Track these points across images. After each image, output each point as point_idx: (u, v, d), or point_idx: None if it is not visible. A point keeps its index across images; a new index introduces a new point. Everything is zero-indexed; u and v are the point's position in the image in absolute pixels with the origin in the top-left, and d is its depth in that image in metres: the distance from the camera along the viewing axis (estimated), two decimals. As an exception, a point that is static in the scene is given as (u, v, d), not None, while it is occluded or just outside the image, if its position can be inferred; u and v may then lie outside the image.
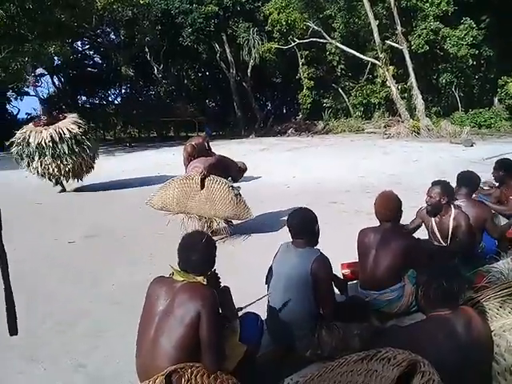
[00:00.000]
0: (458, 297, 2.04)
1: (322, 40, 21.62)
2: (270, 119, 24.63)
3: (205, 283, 2.33)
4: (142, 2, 17.34)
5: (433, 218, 3.75)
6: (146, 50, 21.12)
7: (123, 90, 26.66)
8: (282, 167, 11.18)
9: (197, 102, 26.46)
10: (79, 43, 23.20)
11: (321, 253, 2.70)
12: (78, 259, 5.07)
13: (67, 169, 8.94)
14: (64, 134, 8.77)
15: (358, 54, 20.88)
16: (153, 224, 6.46)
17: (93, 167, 9.67)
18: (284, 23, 21.64)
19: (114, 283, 4.37)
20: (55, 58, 17.75)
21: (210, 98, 28.97)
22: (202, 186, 5.39)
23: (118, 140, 23.38)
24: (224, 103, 26.17)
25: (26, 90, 21.69)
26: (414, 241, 3.26)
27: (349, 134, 20.48)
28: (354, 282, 3.39)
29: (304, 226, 2.78)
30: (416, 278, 2.74)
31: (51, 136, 8.71)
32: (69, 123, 8.99)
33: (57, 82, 24.57)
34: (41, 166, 8.79)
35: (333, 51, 22.27)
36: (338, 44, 21.34)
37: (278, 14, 21.68)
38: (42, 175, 9.00)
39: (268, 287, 2.86)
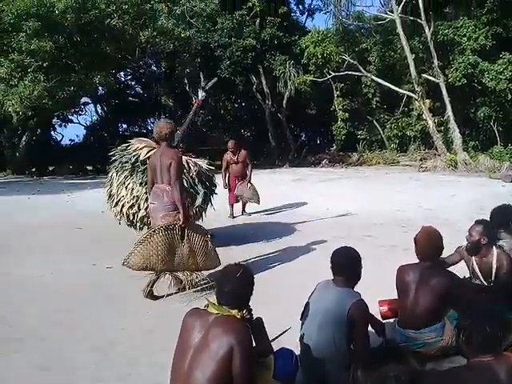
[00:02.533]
0: (502, 343, 1.98)
1: (357, 73, 21.78)
2: (304, 150, 24.73)
3: (239, 317, 2.33)
4: (183, 36, 17.99)
5: (473, 258, 3.68)
6: (186, 81, 21.78)
7: (162, 119, 27.45)
8: (315, 198, 11.15)
9: (232, 132, 26.87)
10: (122, 74, 24.15)
11: (360, 297, 2.67)
12: (115, 285, 5.16)
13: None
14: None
15: (393, 87, 20.86)
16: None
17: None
18: (320, 56, 21.93)
19: (149, 310, 4.43)
20: (99, 87, 18.55)
21: (245, 128, 29.36)
22: (182, 237, 4.70)
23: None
24: (259, 133, 26.46)
25: (71, 117, 22.72)
26: (456, 280, 3.19)
27: (383, 166, 20.29)
28: (392, 320, 3.33)
29: (347, 265, 2.78)
30: (458, 320, 2.67)
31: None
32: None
33: (100, 111, 25.62)
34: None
35: (368, 84, 22.33)
36: (374, 77, 21.42)
37: (314, 48, 22.03)
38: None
39: (302, 323, 2.84)
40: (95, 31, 17.07)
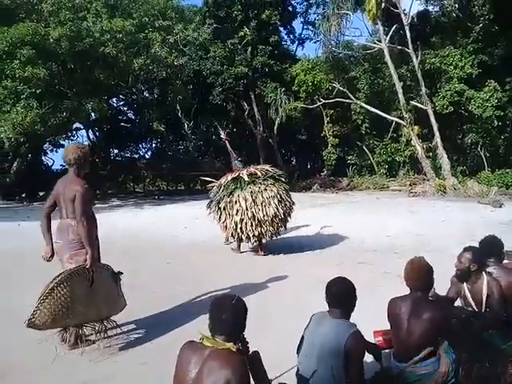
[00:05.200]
0: (501, 378, 2.02)
1: (346, 100, 22.20)
2: (295, 175, 24.91)
3: (234, 350, 2.30)
4: (176, 64, 18.29)
5: (465, 284, 3.71)
6: (178, 107, 22.03)
7: (154, 145, 27.64)
8: (307, 223, 11.19)
9: (224, 157, 27.05)
10: (114, 100, 24.41)
11: (356, 328, 2.70)
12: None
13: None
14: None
15: (382, 114, 21.27)
16: (181, 281, 6.52)
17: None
18: (310, 84, 22.40)
19: (142, 344, 4.38)
20: (92, 113, 18.68)
21: (237, 153, 29.54)
22: (93, 281, 4.16)
23: (147, 193, 23.95)
24: (250, 158, 26.52)
25: (62, 142, 22.71)
26: (446, 311, 3.22)
27: (373, 190, 20.50)
28: (387, 351, 3.34)
29: (344, 297, 2.81)
30: (455, 354, 2.70)
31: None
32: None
33: (91, 136, 25.74)
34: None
35: (357, 110, 22.74)
36: (363, 104, 21.84)
37: (305, 75, 22.50)
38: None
39: (298, 357, 2.85)
40: (89, 59, 17.31)
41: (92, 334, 4.34)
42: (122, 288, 4.46)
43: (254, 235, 8.06)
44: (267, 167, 8.57)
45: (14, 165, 20.04)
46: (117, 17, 16.82)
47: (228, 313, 2.36)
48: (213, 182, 8.87)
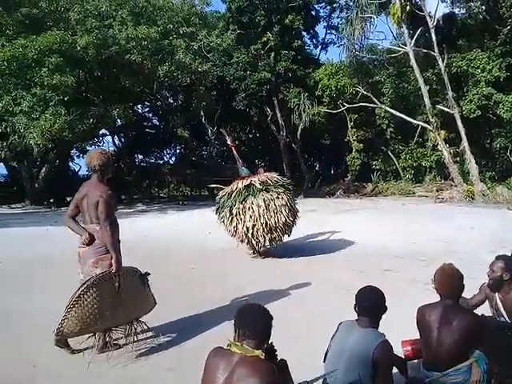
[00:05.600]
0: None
1: (371, 104, 21.98)
2: (319, 180, 24.78)
3: (262, 357, 2.31)
4: (199, 70, 18.42)
5: (497, 294, 3.62)
6: (201, 113, 22.23)
7: (178, 151, 27.91)
8: (331, 230, 11.09)
9: (247, 162, 27.10)
10: (140, 106, 24.76)
11: (385, 338, 2.65)
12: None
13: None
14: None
15: (407, 118, 20.98)
16: (205, 286, 6.54)
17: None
18: (334, 88, 22.28)
19: (168, 348, 4.39)
20: (118, 120, 18.99)
21: (259, 158, 29.64)
22: (120, 284, 4.18)
23: (171, 198, 24.17)
24: (273, 163, 26.62)
25: (89, 148, 23.15)
26: (478, 319, 3.13)
27: (399, 196, 20.20)
28: (416, 361, 3.27)
29: (374, 306, 2.76)
30: (487, 364, 2.62)
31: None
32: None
33: (117, 142, 26.18)
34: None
35: (382, 115, 22.48)
36: (388, 108, 21.59)
37: (328, 80, 22.40)
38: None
39: (326, 365, 2.81)
40: (115, 66, 17.61)
41: (121, 338, 4.36)
42: (150, 287, 4.52)
43: (264, 241, 8.40)
44: (275, 175, 8.87)
45: (43, 170, 20.50)
46: (142, 24, 17.06)
47: (254, 320, 2.38)
48: (220, 187, 9.19)
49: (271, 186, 8.47)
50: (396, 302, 4.76)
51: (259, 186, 8.38)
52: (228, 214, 8.46)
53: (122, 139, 26.02)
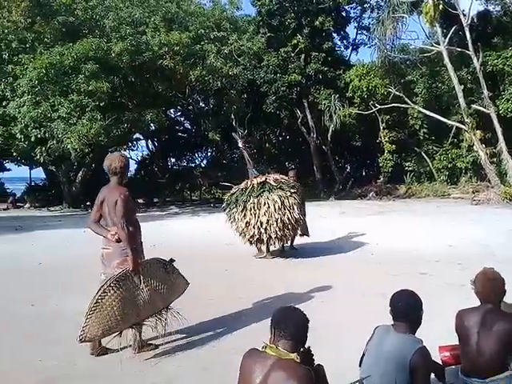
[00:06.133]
0: None
1: (403, 105, 21.63)
2: (350, 182, 24.54)
3: (298, 361, 2.29)
4: (230, 74, 18.59)
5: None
6: (232, 116, 22.37)
7: (209, 154, 28.18)
8: (363, 232, 10.99)
9: (277, 165, 27.15)
10: (172, 110, 25.14)
11: (423, 345, 2.61)
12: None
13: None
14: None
15: (441, 118, 20.53)
16: (238, 288, 6.60)
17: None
18: (365, 89, 22.04)
19: (202, 348, 4.46)
20: (151, 124, 19.36)
21: (290, 160, 29.60)
22: (140, 280, 4.20)
23: (203, 201, 24.44)
24: (303, 166, 26.53)
25: (123, 152, 23.64)
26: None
27: (433, 198, 19.76)
28: (453, 367, 3.21)
29: (411, 311, 2.72)
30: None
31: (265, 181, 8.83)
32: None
33: (150, 146, 26.66)
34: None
35: (415, 115, 22.09)
36: (421, 108, 21.20)
37: (359, 81, 22.18)
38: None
39: (361, 370, 2.79)
40: (148, 71, 18.02)
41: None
42: (178, 270, 4.55)
43: (276, 237, 8.58)
44: (284, 177, 9.18)
45: (80, 174, 21.11)
46: (174, 30, 17.38)
47: (291, 322, 2.37)
48: (232, 186, 9.46)
49: (284, 185, 8.77)
50: (432, 307, 4.69)
51: (274, 183, 8.68)
52: (241, 209, 8.66)
53: (156, 143, 26.49)
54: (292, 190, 8.80)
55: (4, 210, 20.81)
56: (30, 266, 8.35)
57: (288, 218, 8.44)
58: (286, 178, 9.26)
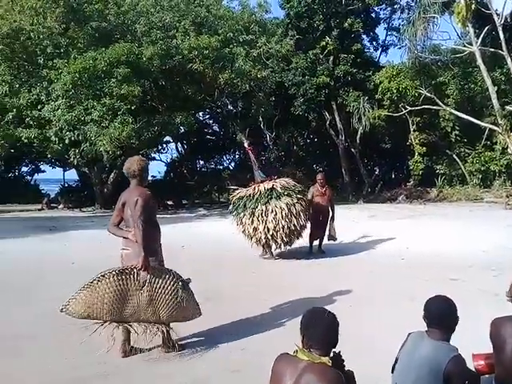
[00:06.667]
0: None
1: (434, 107, 21.24)
2: (379, 185, 24.23)
3: (330, 365, 2.29)
4: (259, 76, 18.68)
5: None
6: (260, 119, 22.46)
7: (237, 156, 28.36)
8: (393, 236, 10.84)
9: (305, 167, 27.10)
10: (201, 113, 25.40)
11: (458, 353, 2.57)
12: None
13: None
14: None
15: (474, 120, 20.04)
16: (265, 290, 6.63)
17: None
18: (395, 91, 21.70)
19: (233, 351, 4.50)
20: (180, 127, 19.61)
21: (318, 163, 29.49)
22: (144, 283, 4.16)
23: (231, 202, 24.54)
24: (331, 168, 26.39)
25: (153, 155, 24.06)
26: None
27: (465, 202, 19.29)
28: (487, 376, 3.14)
29: (445, 317, 2.68)
30: None
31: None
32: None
33: (180, 148, 27.02)
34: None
35: (446, 117, 21.64)
36: (452, 110, 20.76)
37: (389, 82, 21.86)
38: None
39: (393, 377, 2.77)
40: (178, 75, 18.27)
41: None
42: (190, 294, 4.36)
43: (282, 242, 8.97)
44: (291, 181, 9.40)
45: (111, 176, 21.57)
46: (203, 34, 17.55)
47: (322, 327, 2.36)
48: (238, 189, 9.65)
49: (292, 192, 8.99)
50: (464, 313, 4.62)
51: (280, 190, 8.89)
52: (249, 215, 8.89)
53: (185, 146, 26.84)
54: (299, 196, 9.05)
55: (39, 210, 21.46)
56: (63, 265, 8.58)
57: (294, 225, 8.78)
58: (293, 181, 9.44)
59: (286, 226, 8.68)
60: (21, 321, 5.44)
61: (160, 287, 4.16)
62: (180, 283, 4.25)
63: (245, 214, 8.98)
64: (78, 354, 4.40)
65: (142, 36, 17.28)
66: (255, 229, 8.83)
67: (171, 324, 4.43)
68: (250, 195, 9.07)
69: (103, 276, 4.06)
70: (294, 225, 8.77)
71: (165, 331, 4.32)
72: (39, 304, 6.02)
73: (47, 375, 4.04)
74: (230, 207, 9.75)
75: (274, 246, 9.31)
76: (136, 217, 4.16)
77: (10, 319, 5.54)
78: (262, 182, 9.38)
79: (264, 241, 8.93)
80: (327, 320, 2.40)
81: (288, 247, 9.48)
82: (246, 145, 11.20)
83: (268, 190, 8.94)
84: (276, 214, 8.70)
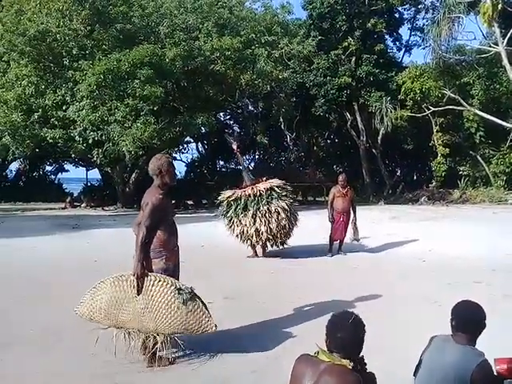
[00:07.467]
0: None
1: (458, 107, 20.92)
2: (400, 186, 23.98)
3: (350, 367, 2.26)
4: (280, 77, 18.70)
5: None
6: (281, 119, 22.47)
7: (257, 157, 28.40)
8: (415, 238, 10.72)
9: (325, 168, 27.00)
10: (221, 114, 25.52)
11: (485, 358, 2.53)
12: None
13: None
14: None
15: (499, 121, 19.67)
16: (284, 291, 6.64)
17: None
18: (418, 91, 21.46)
19: (251, 351, 4.51)
20: (201, 127, 19.75)
21: (338, 163, 29.36)
22: (139, 291, 4.02)
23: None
24: (352, 169, 26.25)
25: (174, 155, 24.28)
26: None
27: (489, 204, 18.93)
28: (508, 380, 3.10)
29: (472, 321, 2.64)
30: None
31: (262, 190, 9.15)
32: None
33: (200, 149, 27.22)
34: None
35: (471, 118, 21.30)
36: (477, 111, 20.42)
37: (412, 83, 21.63)
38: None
39: (416, 381, 2.74)
40: (200, 76, 18.40)
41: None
42: (198, 306, 4.08)
43: (280, 241, 9.34)
44: (280, 181, 9.54)
45: (133, 175, 21.84)
46: (226, 35, 17.65)
47: (347, 331, 2.30)
48: (235, 191, 9.67)
49: (288, 191, 9.43)
50: (488, 318, 4.55)
51: (278, 191, 9.16)
52: (250, 216, 8.98)
53: (205, 146, 27.01)
54: (292, 196, 9.66)
55: (62, 209, 21.87)
56: (86, 263, 8.74)
57: (291, 225, 9.23)
58: (280, 181, 9.55)
59: (285, 226, 9.03)
60: (47, 316, 5.56)
61: (155, 296, 4.00)
62: (178, 293, 3.99)
63: (245, 215, 9.03)
64: (101, 350, 4.45)
65: (165, 38, 17.46)
66: (257, 229, 8.94)
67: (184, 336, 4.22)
68: (248, 195, 9.13)
69: (103, 281, 4.16)
70: (292, 224, 9.27)
71: (159, 341, 4.05)
72: (64, 300, 6.15)
73: (77, 370, 4.10)
74: (220, 209, 9.76)
75: (268, 246, 9.58)
76: (143, 220, 4.12)
77: (36, 314, 5.66)
78: (253, 183, 9.49)
79: (264, 241, 9.17)
80: (351, 325, 2.33)
81: (286, 246, 9.76)
82: (234, 146, 11.23)
83: (268, 190, 9.11)
84: (279, 213, 8.93)
